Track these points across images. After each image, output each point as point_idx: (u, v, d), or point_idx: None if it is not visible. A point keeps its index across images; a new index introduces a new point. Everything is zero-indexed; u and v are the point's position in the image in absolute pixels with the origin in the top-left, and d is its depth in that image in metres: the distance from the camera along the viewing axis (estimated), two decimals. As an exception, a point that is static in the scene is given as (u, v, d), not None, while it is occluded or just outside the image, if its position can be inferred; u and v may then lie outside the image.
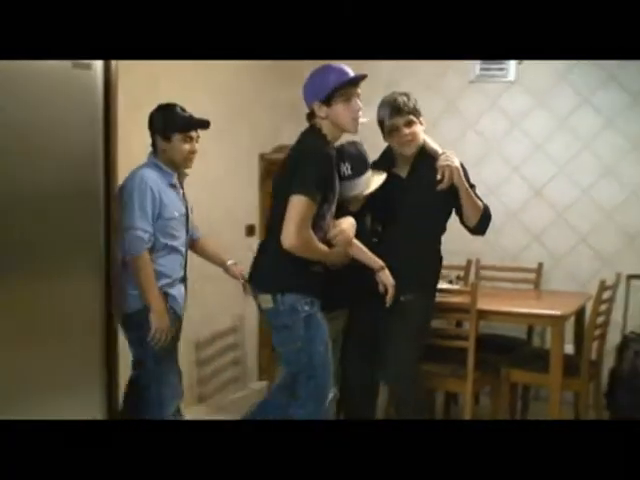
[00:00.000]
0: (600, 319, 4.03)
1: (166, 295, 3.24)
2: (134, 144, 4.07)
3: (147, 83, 4.24)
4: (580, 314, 4.32)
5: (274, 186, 3.15)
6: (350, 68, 3.06)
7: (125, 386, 3.30)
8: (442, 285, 3.86)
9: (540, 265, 4.89)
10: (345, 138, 3.24)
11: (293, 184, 2.87)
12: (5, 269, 2.65)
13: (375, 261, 3.26)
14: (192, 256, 3.57)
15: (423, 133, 3.47)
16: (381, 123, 3.43)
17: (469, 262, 4.92)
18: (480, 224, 3.48)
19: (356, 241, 3.22)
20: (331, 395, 3.08)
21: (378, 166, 3.45)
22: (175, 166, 3.33)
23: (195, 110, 3.94)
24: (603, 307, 4.03)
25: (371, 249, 3.28)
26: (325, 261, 3.06)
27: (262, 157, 5.33)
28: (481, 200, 3.49)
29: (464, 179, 3.37)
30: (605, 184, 4.91)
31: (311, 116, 3.08)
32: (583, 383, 3.92)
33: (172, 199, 3.28)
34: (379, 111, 3.43)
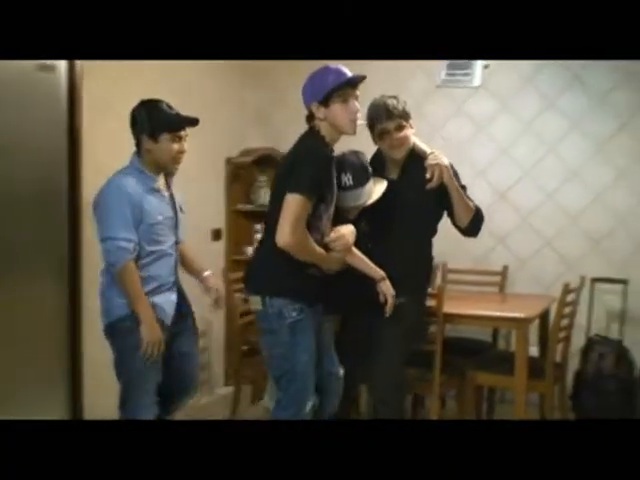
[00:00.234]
0: (564, 322, 4.07)
1: (152, 305, 3.11)
2: (99, 147, 4.03)
3: (112, 85, 4.21)
4: (544, 317, 4.36)
5: (272, 188, 3.14)
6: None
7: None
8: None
9: (505, 268, 4.93)
10: (345, 146, 3.26)
11: (288, 183, 2.87)
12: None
13: (376, 271, 3.25)
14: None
15: (413, 135, 3.48)
16: (371, 126, 3.42)
17: (436, 265, 4.94)
18: (472, 225, 3.48)
19: (357, 251, 3.21)
20: (310, 403, 3.07)
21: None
22: (161, 167, 3.19)
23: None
24: (567, 310, 4.07)
25: (366, 254, 3.27)
26: (321, 265, 3.04)
27: (228, 161, 5.32)
28: (472, 201, 3.49)
29: (454, 178, 3.38)
30: (570, 188, 4.96)
31: (310, 118, 3.08)
32: (548, 385, 3.95)
33: (154, 204, 3.13)
34: (369, 114, 3.41)
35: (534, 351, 4.33)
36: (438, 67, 5.21)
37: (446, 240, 3.73)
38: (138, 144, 3.17)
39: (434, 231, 3.57)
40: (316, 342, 3.10)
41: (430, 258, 3.59)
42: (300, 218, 2.84)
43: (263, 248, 3.11)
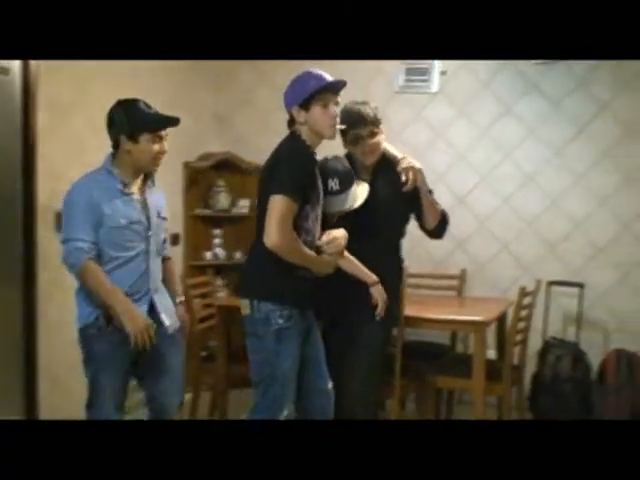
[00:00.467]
0: (521, 324, 4.10)
1: (110, 319, 2.97)
2: (56, 149, 3.97)
3: (69, 86, 4.16)
4: (502, 320, 4.40)
5: (257, 192, 3.11)
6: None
7: None
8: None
9: (463, 272, 4.96)
10: (327, 151, 3.27)
11: (272, 185, 2.89)
12: None
13: (369, 275, 3.28)
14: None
15: (384, 141, 3.51)
16: (343, 132, 3.43)
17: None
18: (439, 227, 3.54)
19: (348, 255, 3.22)
20: (286, 412, 3.04)
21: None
22: (140, 168, 3.09)
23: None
24: (524, 313, 4.10)
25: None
26: (312, 267, 3.03)
27: (186, 165, 5.28)
28: (439, 204, 3.54)
29: (426, 182, 3.44)
30: (526, 193, 5.03)
31: (291, 123, 3.08)
32: (506, 387, 3.98)
33: (118, 207, 3.00)
34: (341, 120, 3.42)
35: (492, 354, 4.37)
36: (397, 73, 5.25)
37: (405, 244, 3.74)
38: (116, 145, 3.07)
39: (403, 234, 3.61)
40: (303, 352, 3.08)
41: (401, 260, 3.61)
42: (286, 219, 2.85)
43: (253, 252, 3.10)
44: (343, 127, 3.20)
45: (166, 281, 3.31)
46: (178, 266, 5.10)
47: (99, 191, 2.99)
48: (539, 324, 4.71)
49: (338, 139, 3.30)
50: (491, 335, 4.30)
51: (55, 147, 4.07)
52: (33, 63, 3.83)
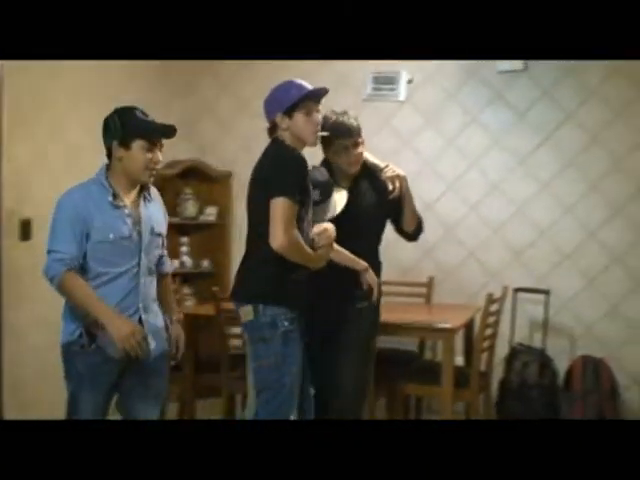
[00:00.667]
0: (488, 331, 4.13)
1: (93, 336, 2.83)
2: (21, 151, 3.92)
3: (35, 88, 4.12)
4: (469, 327, 4.42)
5: (250, 198, 3.12)
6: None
7: None
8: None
9: (431, 279, 4.98)
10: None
11: (271, 190, 2.91)
12: None
13: (358, 262, 3.32)
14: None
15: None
16: (327, 142, 3.44)
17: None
18: (417, 230, 3.65)
19: (337, 246, 3.25)
20: (292, 418, 3.05)
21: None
22: (133, 178, 2.91)
23: (82, 122, 3.81)
24: (491, 319, 4.13)
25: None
26: (310, 264, 3.06)
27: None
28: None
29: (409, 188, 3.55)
30: (492, 200, 5.08)
31: (272, 130, 3.12)
32: (473, 394, 4.01)
33: (107, 220, 2.84)
34: (327, 129, 3.43)
35: (460, 360, 4.39)
36: (364, 81, 5.27)
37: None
38: (109, 154, 2.93)
39: (381, 239, 3.65)
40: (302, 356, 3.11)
41: (380, 264, 3.63)
42: (290, 220, 2.90)
43: (250, 259, 3.11)
44: (325, 134, 3.23)
45: (160, 298, 3.12)
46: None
47: (89, 202, 2.84)
48: (506, 331, 4.75)
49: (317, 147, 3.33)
50: (459, 342, 4.32)
51: (20, 148, 4.02)
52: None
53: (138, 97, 4.99)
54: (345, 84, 5.25)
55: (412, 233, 3.65)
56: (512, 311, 4.83)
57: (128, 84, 4.89)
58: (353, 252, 3.37)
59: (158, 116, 4.90)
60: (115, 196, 2.88)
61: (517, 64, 4.93)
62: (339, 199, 3.38)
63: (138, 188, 2.98)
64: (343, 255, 3.30)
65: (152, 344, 2.94)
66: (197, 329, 4.23)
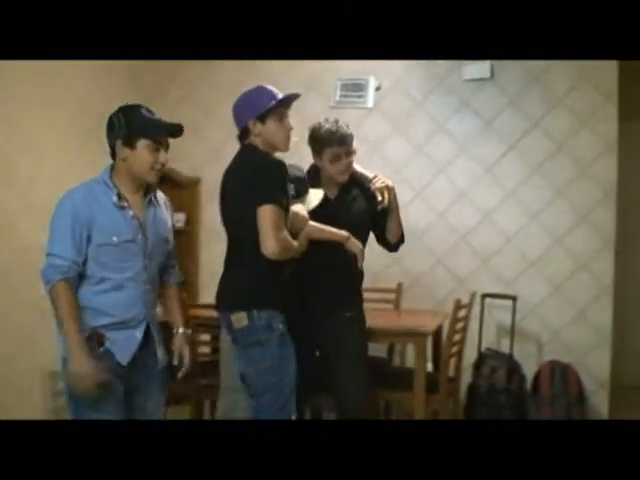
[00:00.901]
0: (457, 337, 4.15)
1: (101, 337, 2.71)
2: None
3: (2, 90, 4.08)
4: (437, 332, 4.44)
5: (229, 206, 3.10)
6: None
7: None
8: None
9: (400, 285, 5.00)
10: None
11: (255, 197, 2.91)
12: None
13: (339, 234, 3.32)
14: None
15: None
16: (318, 150, 3.45)
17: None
18: (400, 241, 3.68)
19: (312, 222, 3.25)
20: (294, 418, 3.07)
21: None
22: (137, 179, 2.79)
23: (51, 127, 3.76)
24: (459, 325, 4.15)
25: (311, 273, 3.34)
26: (298, 254, 3.08)
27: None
28: None
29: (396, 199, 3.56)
30: (460, 207, 5.11)
31: (243, 136, 3.11)
32: (442, 399, 4.02)
33: (110, 222, 2.71)
34: (319, 137, 3.44)
35: (429, 366, 4.40)
36: (332, 88, 5.29)
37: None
38: (113, 154, 2.81)
39: (365, 246, 3.63)
40: None
41: (362, 273, 3.63)
42: (279, 225, 2.91)
43: (235, 267, 3.09)
44: (296, 139, 3.21)
45: (167, 309, 3.04)
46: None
47: (91, 203, 2.71)
48: (474, 336, 4.78)
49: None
50: (427, 348, 4.33)
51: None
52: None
53: (104, 102, 4.96)
54: (313, 90, 5.26)
55: (395, 244, 3.67)
56: (480, 317, 4.87)
57: (94, 89, 4.85)
58: (337, 260, 3.39)
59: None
60: (119, 197, 2.76)
61: (484, 72, 4.98)
62: (315, 195, 3.38)
63: (143, 190, 2.87)
64: (321, 231, 3.29)
65: (159, 355, 2.88)
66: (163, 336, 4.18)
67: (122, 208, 2.75)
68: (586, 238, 4.88)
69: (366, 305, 4.78)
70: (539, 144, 4.96)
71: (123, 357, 2.75)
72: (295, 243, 3.05)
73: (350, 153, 3.46)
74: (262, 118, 3.03)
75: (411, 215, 5.14)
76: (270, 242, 2.88)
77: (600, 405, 4.80)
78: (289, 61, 5.19)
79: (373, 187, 3.49)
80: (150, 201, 2.89)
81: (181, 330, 3.04)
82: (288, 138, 3.10)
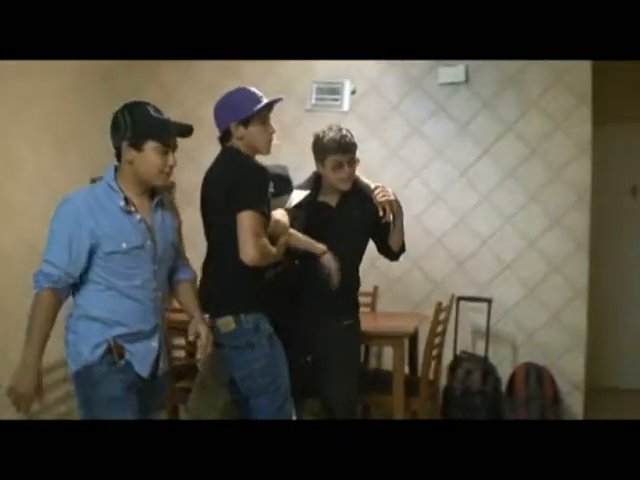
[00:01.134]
0: (437, 339, 4.16)
1: (121, 348, 2.62)
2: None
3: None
4: (414, 335, 4.44)
5: (211, 209, 3.08)
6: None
7: None
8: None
9: (376, 289, 5.00)
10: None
11: (236, 202, 2.88)
12: None
13: (316, 246, 3.30)
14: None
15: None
16: (321, 158, 3.43)
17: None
18: (401, 250, 3.65)
19: (293, 230, 3.24)
20: (294, 416, 3.08)
21: (303, 189, 3.49)
22: (144, 182, 2.67)
23: (24, 132, 3.70)
24: (440, 328, 4.17)
25: (313, 275, 3.32)
26: (276, 259, 3.07)
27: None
28: None
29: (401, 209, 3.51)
30: (435, 211, 5.13)
31: (224, 138, 3.09)
32: (422, 402, 4.02)
33: (117, 227, 2.60)
34: (321, 146, 3.43)
35: (405, 369, 4.41)
36: (308, 91, 5.28)
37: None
38: (118, 156, 2.69)
39: (362, 258, 3.65)
40: None
41: (359, 280, 3.66)
42: (259, 232, 2.89)
43: (218, 272, 3.06)
44: (279, 143, 3.20)
45: (183, 305, 2.99)
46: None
47: (94, 209, 2.58)
48: (450, 339, 4.79)
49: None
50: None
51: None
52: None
53: (82, 106, 4.93)
54: (289, 93, 5.25)
55: (397, 253, 3.65)
56: (455, 319, 4.88)
57: (72, 94, 4.80)
58: (341, 266, 3.36)
59: (102, 125, 4.84)
60: (127, 201, 2.64)
61: (459, 76, 5.01)
62: (297, 195, 3.37)
63: (149, 193, 2.75)
64: (299, 240, 3.29)
65: (161, 362, 2.81)
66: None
67: (129, 213, 2.64)
68: (560, 241, 4.91)
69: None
70: (513, 148, 5.00)
71: (143, 369, 2.69)
72: (274, 250, 3.03)
73: (353, 161, 3.44)
74: (245, 122, 3.02)
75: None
76: (249, 249, 2.86)
77: (575, 406, 4.84)
78: (265, 64, 5.18)
79: (375, 200, 3.42)
80: (157, 205, 2.77)
81: (197, 316, 2.93)
82: (270, 141, 3.09)
